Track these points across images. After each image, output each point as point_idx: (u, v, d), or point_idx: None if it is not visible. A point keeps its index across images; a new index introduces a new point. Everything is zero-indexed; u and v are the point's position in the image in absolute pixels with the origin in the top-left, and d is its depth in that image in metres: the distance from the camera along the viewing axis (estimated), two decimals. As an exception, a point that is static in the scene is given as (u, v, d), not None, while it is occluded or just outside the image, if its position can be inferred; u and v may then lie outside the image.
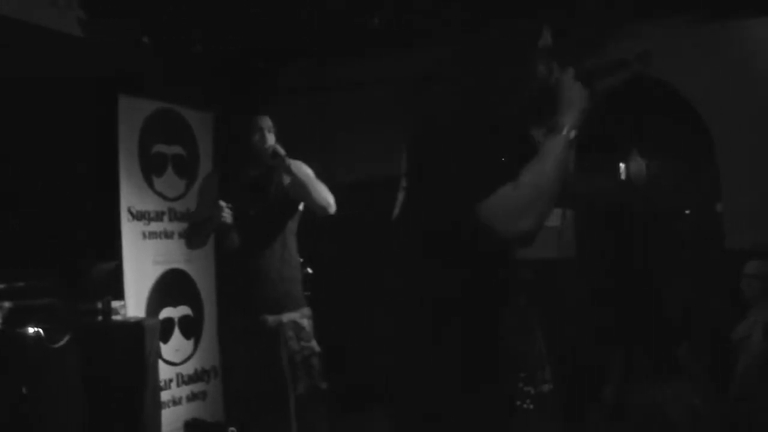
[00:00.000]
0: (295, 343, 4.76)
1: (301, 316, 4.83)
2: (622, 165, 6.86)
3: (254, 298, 4.76)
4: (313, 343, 4.84)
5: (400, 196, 2.74)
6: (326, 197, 4.79)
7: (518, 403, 2.72)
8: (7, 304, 4.74)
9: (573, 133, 2.50)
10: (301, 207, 4.94)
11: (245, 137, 4.88)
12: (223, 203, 4.67)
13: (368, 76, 6.77)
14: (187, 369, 6.42)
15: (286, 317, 4.77)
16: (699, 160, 6.29)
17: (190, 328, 6.48)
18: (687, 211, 6.68)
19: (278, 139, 4.92)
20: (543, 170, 2.44)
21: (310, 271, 5.25)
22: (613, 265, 6.33)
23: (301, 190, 4.74)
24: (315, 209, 4.79)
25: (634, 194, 6.79)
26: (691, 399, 5.29)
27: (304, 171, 4.78)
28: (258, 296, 4.76)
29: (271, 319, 4.75)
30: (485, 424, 2.56)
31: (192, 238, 5.15)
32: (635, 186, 6.81)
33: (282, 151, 4.69)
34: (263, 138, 4.84)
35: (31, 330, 4.65)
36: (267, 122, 4.89)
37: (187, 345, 6.44)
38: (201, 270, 6.58)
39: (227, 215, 4.67)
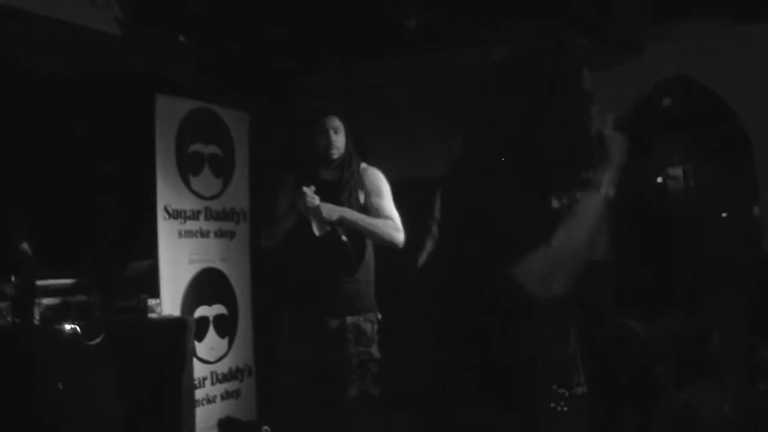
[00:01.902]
0: (353, 347, 4.74)
1: (364, 320, 4.79)
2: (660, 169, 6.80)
3: (321, 299, 4.74)
4: (373, 349, 4.79)
5: (428, 243, 2.69)
6: (389, 236, 4.79)
7: (552, 405, 2.70)
8: (44, 301, 4.78)
9: (612, 191, 2.38)
10: None
11: (311, 138, 4.86)
12: (306, 188, 4.63)
13: (399, 77, 6.77)
14: (222, 367, 6.44)
15: (350, 320, 4.75)
16: (736, 162, 6.23)
17: (225, 326, 6.50)
18: (724, 215, 6.61)
19: (351, 139, 4.91)
20: (575, 232, 2.34)
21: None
22: (648, 268, 6.28)
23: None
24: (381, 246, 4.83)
25: (670, 197, 6.74)
26: (723, 401, 5.25)
27: (364, 222, 4.77)
28: (326, 297, 4.75)
29: (334, 321, 4.74)
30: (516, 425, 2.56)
31: (272, 231, 5.04)
32: (672, 189, 6.76)
33: (315, 202, 4.64)
34: (328, 139, 4.82)
35: (67, 327, 4.68)
36: (334, 122, 4.86)
37: (222, 344, 6.47)
38: (236, 269, 6.61)
39: (311, 199, 4.63)
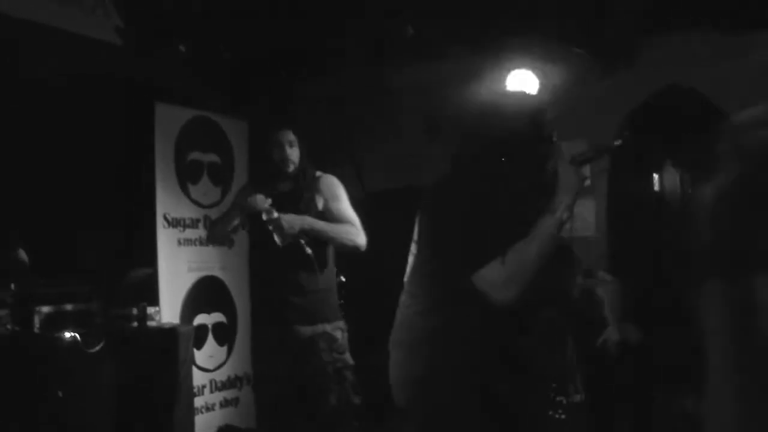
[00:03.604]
0: (327, 355, 4.74)
1: (335, 328, 4.79)
2: (656, 176, 6.81)
3: (288, 309, 4.75)
4: (347, 356, 4.80)
5: (411, 260, 3.08)
6: (351, 241, 4.80)
7: (550, 413, 2.73)
8: (44, 309, 4.80)
9: (566, 215, 2.78)
10: None
11: (267, 151, 4.87)
12: (260, 199, 4.64)
13: (393, 85, 6.78)
14: (221, 375, 6.46)
15: (320, 328, 4.75)
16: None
17: (224, 335, 6.52)
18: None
19: (307, 153, 4.91)
20: (528, 249, 2.75)
21: (342, 279, 5.25)
22: (646, 276, 6.29)
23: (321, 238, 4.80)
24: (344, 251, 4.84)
25: (668, 205, 6.75)
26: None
27: (325, 230, 4.77)
28: (292, 307, 4.75)
29: (304, 330, 4.74)
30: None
31: (216, 228, 5.14)
32: (669, 197, 6.77)
33: (274, 215, 4.67)
34: (283, 152, 4.82)
35: (67, 335, 4.70)
36: (288, 136, 4.86)
37: (221, 352, 6.48)
38: (235, 277, 6.62)
39: (268, 211, 4.61)
